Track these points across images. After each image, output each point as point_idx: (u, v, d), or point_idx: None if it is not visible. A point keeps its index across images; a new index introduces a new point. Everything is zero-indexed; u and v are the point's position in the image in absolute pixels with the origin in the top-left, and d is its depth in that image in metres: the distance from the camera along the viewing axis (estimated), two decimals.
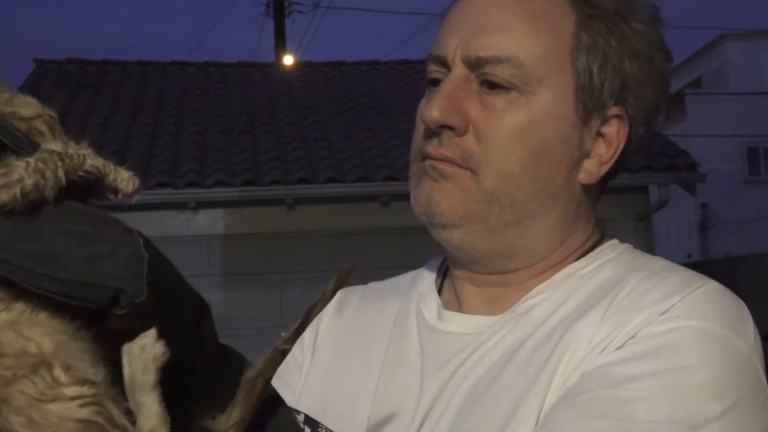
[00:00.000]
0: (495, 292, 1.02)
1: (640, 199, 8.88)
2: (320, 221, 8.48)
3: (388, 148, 8.91)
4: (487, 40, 0.97)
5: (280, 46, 15.61)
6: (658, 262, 1.00)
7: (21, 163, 0.62)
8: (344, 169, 8.53)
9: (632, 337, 0.87)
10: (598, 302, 0.93)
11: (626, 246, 1.05)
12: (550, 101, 0.98)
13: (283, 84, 11.05)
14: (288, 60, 13.96)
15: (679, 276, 0.94)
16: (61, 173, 0.63)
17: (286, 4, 16.20)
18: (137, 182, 0.68)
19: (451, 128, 0.96)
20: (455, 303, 1.05)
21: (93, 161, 0.65)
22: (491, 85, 0.97)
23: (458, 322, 1.02)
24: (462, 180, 0.97)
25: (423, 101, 1.03)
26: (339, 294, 1.13)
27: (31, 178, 0.61)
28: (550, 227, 1.01)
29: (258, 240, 8.56)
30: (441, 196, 0.97)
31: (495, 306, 1.01)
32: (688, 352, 0.85)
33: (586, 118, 1.00)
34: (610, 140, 1.02)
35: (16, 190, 0.61)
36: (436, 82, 1.01)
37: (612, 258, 1.02)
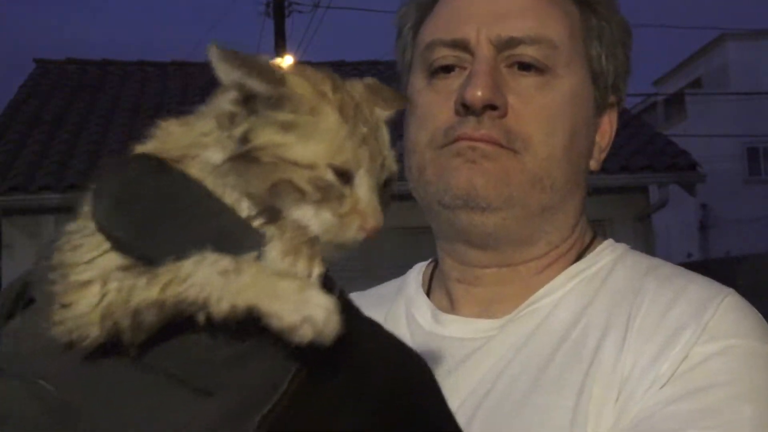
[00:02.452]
0: (496, 292, 0.99)
1: (640, 199, 8.87)
2: None
3: None
4: (517, 22, 0.95)
5: (280, 46, 15.60)
6: (665, 267, 0.98)
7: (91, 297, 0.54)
8: None
9: (684, 359, 0.85)
10: (624, 319, 0.90)
11: (624, 246, 1.04)
12: (577, 84, 0.96)
13: None
14: (288, 60, 13.95)
15: (697, 284, 0.92)
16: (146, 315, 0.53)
17: (286, 4, 16.19)
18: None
19: (493, 108, 0.93)
20: (448, 306, 1.02)
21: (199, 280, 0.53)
22: (523, 66, 0.94)
23: (458, 326, 0.98)
24: (506, 160, 0.93)
25: (425, 89, 0.99)
26: None
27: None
28: (571, 213, 0.99)
29: None
30: (485, 178, 0.93)
31: (495, 307, 0.98)
32: (743, 377, 0.84)
33: (601, 105, 1.00)
34: (604, 129, 1.02)
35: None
36: (447, 69, 0.97)
37: (615, 259, 1.00)
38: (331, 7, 16.06)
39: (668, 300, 0.90)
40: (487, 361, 0.94)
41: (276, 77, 0.59)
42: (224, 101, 0.61)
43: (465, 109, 0.93)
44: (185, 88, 10.93)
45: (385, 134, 0.63)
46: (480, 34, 0.95)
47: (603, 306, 0.93)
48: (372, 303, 1.08)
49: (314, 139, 0.59)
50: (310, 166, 0.58)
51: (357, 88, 0.65)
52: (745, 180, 21.92)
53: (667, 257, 1.10)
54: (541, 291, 0.97)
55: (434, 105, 0.97)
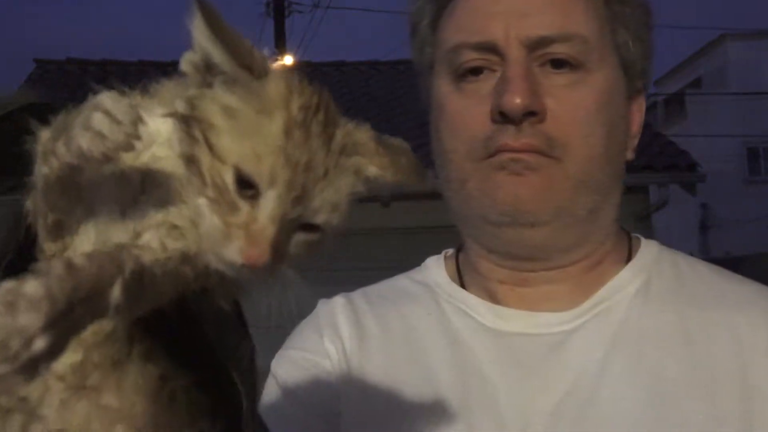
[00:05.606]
0: (546, 291, 0.95)
1: (640, 199, 8.87)
2: None
3: None
4: (546, 19, 0.90)
5: (280, 46, 15.59)
6: (727, 272, 0.98)
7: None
8: None
9: None
10: (735, 332, 0.89)
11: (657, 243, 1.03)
12: (610, 77, 0.93)
13: None
14: (288, 60, 13.95)
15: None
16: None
17: (286, 4, 16.20)
18: None
19: (532, 114, 0.88)
20: (492, 303, 0.97)
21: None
22: (556, 64, 0.90)
23: (522, 322, 0.94)
24: (549, 170, 0.89)
25: (453, 94, 0.94)
26: (342, 300, 1.05)
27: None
28: (613, 210, 0.96)
29: None
30: (531, 191, 0.89)
31: (547, 305, 0.94)
32: None
33: (633, 94, 0.97)
34: (634, 116, 0.99)
35: None
36: (475, 71, 0.92)
37: (671, 254, 0.99)
38: (331, 7, 16.05)
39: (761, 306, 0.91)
40: (575, 360, 0.90)
41: (247, 61, 0.54)
42: (184, 60, 0.57)
43: (502, 116, 0.88)
44: None
45: (337, 181, 0.56)
46: (509, 35, 0.90)
47: (698, 312, 0.91)
48: (397, 299, 1.03)
49: (245, 137, 0.53)
50: (219, 159, 0.53)
51: (356, 131, 0.58)
52: (745, 180, 21.92)
53: None
54: (610, 287, 0.94)
55: (466, 112, 0.92)
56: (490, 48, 0.91)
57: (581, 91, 0.90)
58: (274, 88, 0.55)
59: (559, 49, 0.89)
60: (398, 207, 8.10)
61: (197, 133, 0.54)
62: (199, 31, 0.54)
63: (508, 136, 0.88)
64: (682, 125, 20.60)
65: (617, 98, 0.94)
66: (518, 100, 0.87)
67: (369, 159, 0.57)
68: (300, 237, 0.56)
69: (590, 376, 0.88)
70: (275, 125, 0.54)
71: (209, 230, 0.53)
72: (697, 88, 23.71)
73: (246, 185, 0.53)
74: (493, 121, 0.90)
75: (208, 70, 0.55)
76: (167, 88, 0.59)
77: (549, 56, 0.90)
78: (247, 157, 0.53)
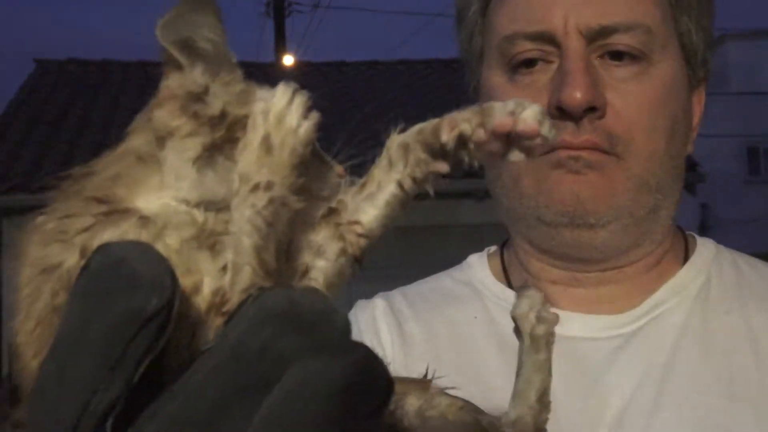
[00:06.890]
0: (601, 293, 0.90)
1: None
2: None
3: None
4: (607, 7, 0.85)
5: (280, 46, 15.59)
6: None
7: None
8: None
9: None
10: None
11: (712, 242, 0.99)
12: (672, 68, 0.88)
13: None
14: (288, 60, 13.94)
15: None
16: None
17: (286, 4, 16.19)
18: None
19: (593, 110, 0.83)
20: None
21: None
22: (616, 56, 0.85)
23: (578, 325, 0.89)
24: (610, 168, 0.84)
25: (506, 86, 0.89)
26: (382, 303, 0.99)
27: None
28: (672, 208, 0.91)
29: None
30: (592, 191, 0.84)
31: (602, 307, 0.90)
32: None
33: (695, 85, 0.93)
34: (694, 108, 0.94)
35: None
36: (530, 63, 0.87)
37: (730, 253, 0.96)
38: (331, 7, 16.02)
39: None
40: (638, 365, 0.86)
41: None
42: (190, 78, 0.46)
43: (560, 112, 0.83)
44: None
45: None
46: (567, 25, 0.84)
47: (763, 313, 0.88)
48: (441, 300, 0.97)
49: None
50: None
51: None
52: (745, 180, 21.91)
53: None
54: (669, 287, 0.91)
55: None
56: (547, 38, 0.86)
57: (644, 84, 0.85)
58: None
59: (621, 40, 0.84)
60: None
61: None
62: (173, 30, 0.45)
63: (567, 133, 0.83)
64: None
65: (680, 91, 0.89)
66: (579, 95, 0.82)
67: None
68: None
69: (654, 381, 0.85)
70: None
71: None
72: None
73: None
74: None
75: (192, 57, 0.46)
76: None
77: (609, 47, 0.85)
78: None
